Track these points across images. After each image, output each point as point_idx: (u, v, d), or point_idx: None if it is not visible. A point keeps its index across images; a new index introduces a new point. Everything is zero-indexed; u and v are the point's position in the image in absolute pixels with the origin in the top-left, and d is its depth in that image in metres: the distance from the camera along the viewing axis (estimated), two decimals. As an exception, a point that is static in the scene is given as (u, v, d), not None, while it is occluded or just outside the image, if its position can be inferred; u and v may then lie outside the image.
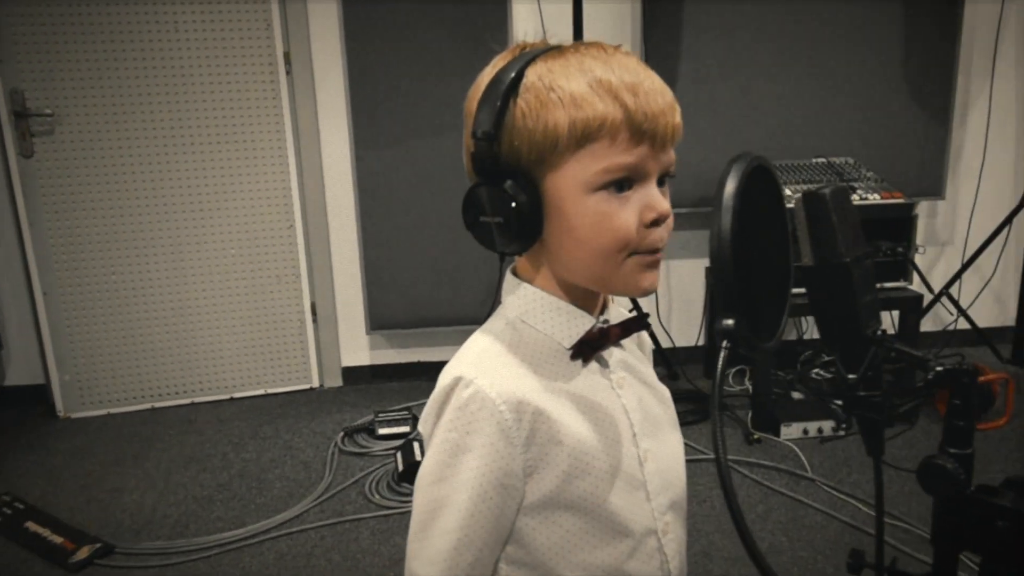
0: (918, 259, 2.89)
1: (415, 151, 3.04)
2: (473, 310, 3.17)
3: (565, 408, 0.74)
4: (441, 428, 0.72)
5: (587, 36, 2.73)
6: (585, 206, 0.69)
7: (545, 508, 0.73)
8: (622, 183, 0.69)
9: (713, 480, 2.45)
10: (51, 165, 2.94)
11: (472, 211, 0.73)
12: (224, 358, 3.21)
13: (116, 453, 2.79)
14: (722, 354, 0.62)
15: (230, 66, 2.98)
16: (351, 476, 2.55)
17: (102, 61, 2.89)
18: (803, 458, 2.54)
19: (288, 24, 2.99)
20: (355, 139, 3.04)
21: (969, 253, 3.17)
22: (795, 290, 0.72)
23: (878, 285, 2.21)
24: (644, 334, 0.86)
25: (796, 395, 2.97)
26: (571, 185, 0.69)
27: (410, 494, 2.52)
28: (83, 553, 2.13)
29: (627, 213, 0.69)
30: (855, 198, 2.77)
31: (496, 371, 0.73)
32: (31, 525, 2.28)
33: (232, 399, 3.23)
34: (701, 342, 3.38)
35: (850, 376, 0.64)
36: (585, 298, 0.77)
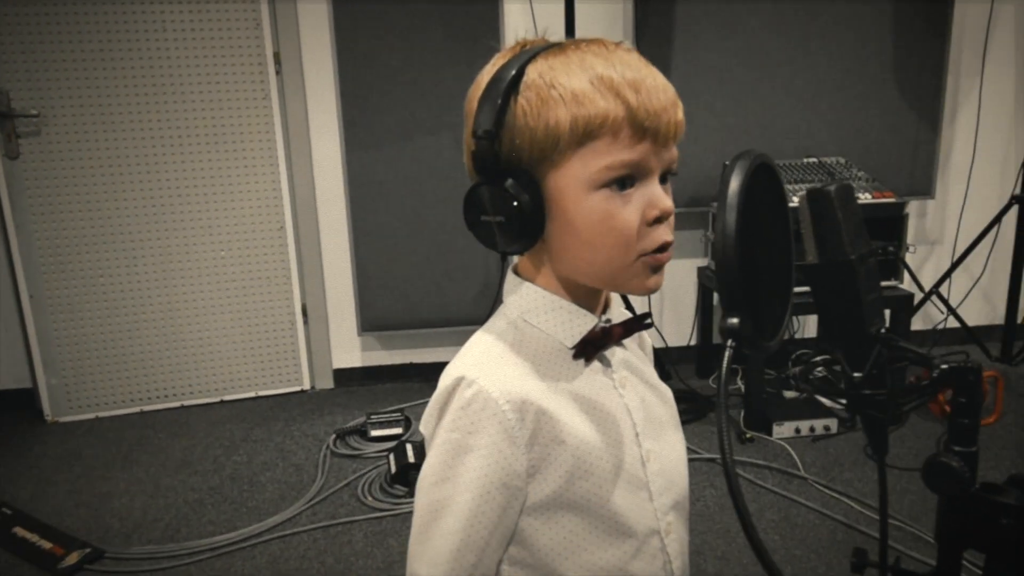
0: (908, 258, 2.90)
1: (406, 151, 3.03)
2: (465, 311, 3.17)
3: (568, 408, 0.73)
4: (443, 428, 0.71)
5: (580, 35, 2.72)
6: (587, 204, 0.69)
7: (548, 508, 0.73)
8: (624, 181, 0.69)
9: (706, 479, 2.46)
10: (37, 166, 2.91)
11: (473, 211, 0.72)
12: (214, 360, 3.18)
13: (105, 457, 2.76)
14: (727, 353, 0.61)
15: (219, 66, 2.96)
16: (343, 478, 2.53)
17: (89, 61, 2.86)
18: (795, 457, 2.54)
19: (278, 23, 2.97)
20: (346, 139, 3.02)
21: (958, 252, 3.19)
22: (796, 289, 0.72)
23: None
24: (645, 334, 0.86)
25: (788, 394, 2.98)
26: (573, 183, 0.69)
27: (403, 496, 2.52)
28: (72, 558, 2.10)
29: (630, 211, 0.69)
30: (846, 198, 2.77)
31: (498, 371, 0.72)
32: (19, 531, 2.25)
33: (222, 402, 3.20)
34: (693, 342, 3.38)
35: (855, 375, 0.64)
36: (587, 297, 0.77)
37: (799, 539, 2.13)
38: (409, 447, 2.50)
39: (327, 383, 3.31)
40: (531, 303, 0.76)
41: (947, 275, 3.13)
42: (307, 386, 3.30)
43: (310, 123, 3.07)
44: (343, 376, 3.32)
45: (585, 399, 0.75)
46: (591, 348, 0.76)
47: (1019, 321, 3.19)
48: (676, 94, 0.71)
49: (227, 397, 3.21)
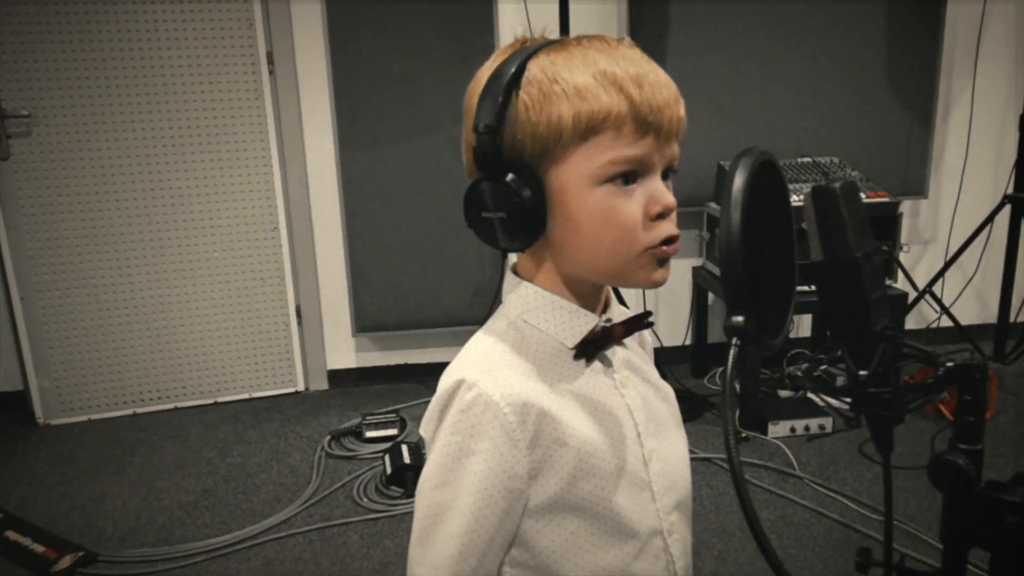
0: (902, 257, 2.91)
1: (401, 151, 3.02)
2: (460, 311, 3.16)
3: (569, 409, 0.73)
4: (443, 431, 0.70)
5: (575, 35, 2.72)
6: (590, 200, 0.68)
7: (550, 510, 0.72)
8: (627, 176, 0.68)
9: (702, 479, 2.46)
10: (28, 167, 2.88)
11: (474, 207, 0.71)
12: (208, 362, 3.16)
13: (98, 460, 2.74)
14: (732, 351, 0.60)
15: (212, 66, 2.94)
16: (338, 480, 2.52)
17: (80, 61, 2.84)
18: (791, 456, 2.55)
19: (271, 23, 2.96)
20: (339, 139, 3.01)
21: (952, 252, 3.20)
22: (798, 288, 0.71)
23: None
24: (645, 332, 0.85)
25: (784, 393, 2.99)
26: (576, 179, 0.68)
27: (399, 497, 2.51)
28: (66, 562, 2.09)
29: (632, 206, 0.69)
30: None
31: (499, 373, 0.71)
32: (11, 534, 2.23)
33: (216, 403, 3.18)
34: (688, 342, 3.39)
35: (861, 372, 0.63)
36: (588, 295, 0.76)
37: (795, 538, 2.14)
38: (404, 448, 2.49)
39: (321, 384, 3.30)
40: (531, 303, 0.75)
41: (940, 274, 3.15)
42: (301, 387, 3.28)
43: (304, 123, 3.05)
44: (337, 377, 3.31)
45: (587, 399, 0.74)
46: (592, 348, 0.76)
47: (1012, 320, 3.20)
48: (678, 91, 0.71)
49: (221, 399, 3.19)
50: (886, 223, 2.79)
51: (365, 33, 2.92)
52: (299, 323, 3.22)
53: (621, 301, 0.85)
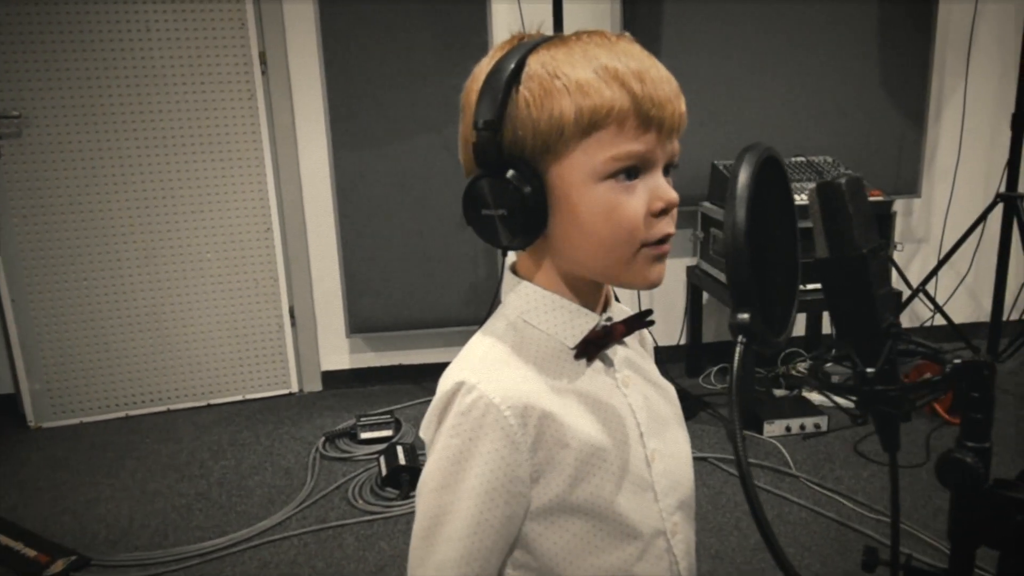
0: (896, 256, 2.92)
1: (394, 152, 3.01)
2: (455, 312, 3.14)
3: (571, 410, 0.72)
4: (443, 434, 0.69)
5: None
6: (592, 196, 0.68)
7: (552, 512, 0.71)
8: (629, 172, 0.68)
9: (698, 478, 2.45)
10: (19, 168, 2.86)
11: (473, 205, 0.70)
12: (200, 364, 3.14)
13: (90, 463, 2.71)
14: (738, 349, 0.60)
15: (204, 66, 2.92)
16: (333, 482, 2.51)
17: (71, 61, 2.82)
18: (786, 455, 2.55)
19: (263, 23, 2.94)
20: (333, 140, 2.99)
21: (945, 250, 3.21)
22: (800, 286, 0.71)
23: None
24: (645, 331, 0.85)
25: (778, 392, 2.99)
26: (577, 175, 0.68)
27: (394, 499, 2.49)
28: (58, 567, 2.07)
29: (635, 202, 0.68)
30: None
31: (499, 375, 0.70)
32: (3, 539, 2.20)
33: (209, 405, 3.16)
34: (683, 341, 3.38)
35: (868, 370, 0.63)
36: (588, 295, 0.75)
37: (791, 537, 2.13)
38: (400, 449, 2.47)
39: (315, 386, 3.28)
40: (531, 303, 0.74)
41: (933, 273, 3.16)
42: (295, 389, 3.27)
43: (296, 123, 3.04)
44: (331, 378, 3.29)
45: (588, 399, 0.73)
46: (593, 348, 0.75)
47: (1005, 318, 3.22)
48: (679, 86, 0.71)
49: (214, 401, 3.17)
50: (879, 222, 2.80)
51: (358, 33, 2.91)
52: (293, 324, 3.21)
53: (618, 301, 0.84)
